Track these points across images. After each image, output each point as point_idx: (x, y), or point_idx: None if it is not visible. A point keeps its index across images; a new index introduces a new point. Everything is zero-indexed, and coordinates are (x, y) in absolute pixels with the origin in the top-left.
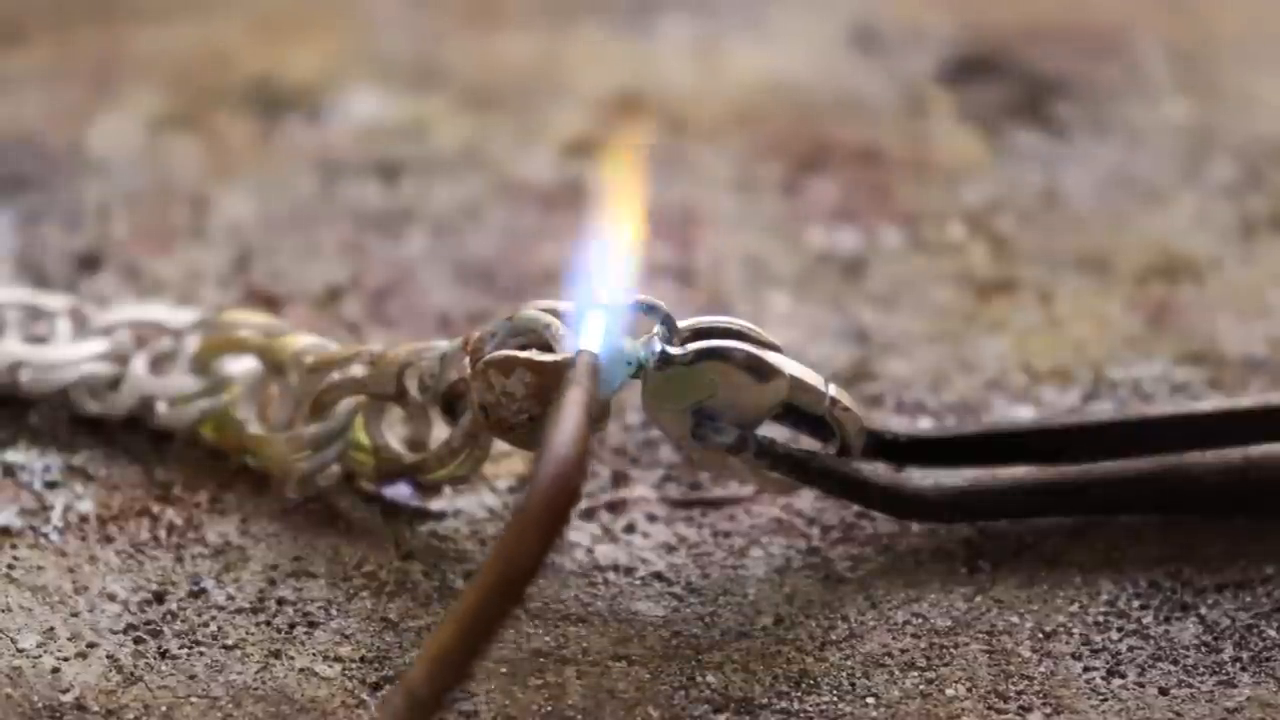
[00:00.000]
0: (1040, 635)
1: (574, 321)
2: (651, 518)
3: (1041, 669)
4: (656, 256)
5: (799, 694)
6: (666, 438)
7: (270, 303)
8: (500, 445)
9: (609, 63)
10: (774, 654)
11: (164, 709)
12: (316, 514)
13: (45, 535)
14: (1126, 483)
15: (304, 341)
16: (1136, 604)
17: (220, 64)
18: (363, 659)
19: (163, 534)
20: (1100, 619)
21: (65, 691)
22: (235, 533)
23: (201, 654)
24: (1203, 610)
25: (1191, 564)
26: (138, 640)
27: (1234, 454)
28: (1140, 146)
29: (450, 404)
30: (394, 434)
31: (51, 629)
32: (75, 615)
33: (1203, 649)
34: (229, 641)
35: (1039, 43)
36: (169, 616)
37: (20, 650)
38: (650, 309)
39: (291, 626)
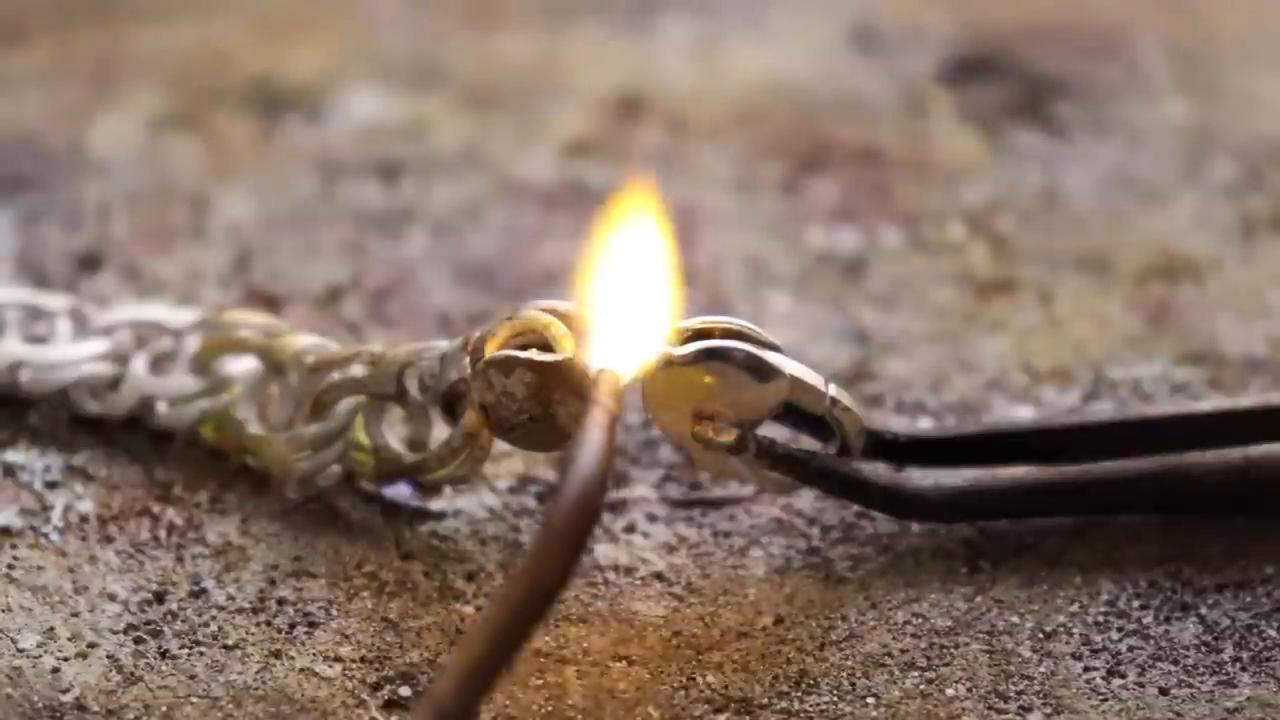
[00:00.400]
0: (1040, 635)
1: (591, 333)
2: (651, 518)
3: (1042, 669)
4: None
5: (799, 694)
6: (666, 438)
7: (270, 303)
8: (500, 445)
9: (609, 63)
10: (774, 654)
11: (164, 709)
12: (316, 514)
13: (45, 535)
14: (1126, 483)
15: (304, 341)
16: (1136, 604)
17: (220, 64)
18: (363, 659)
19: (163, 534)
20: (1100, 619)
21: (65, 691)
22: (235, 533)
23: (202, 654)
24: (1203, 610)
25: (1191, 564)
26: (138, 640)
27: (1234, 454)
28: (1140, 146)
29: (450, 404)
30: (394, 434)
31: (52, 629)
32: (75, 615)
33: (1203, 649)
34: (229, 641)
35: (1039, 43)
36: (169, 616)
37: (20, 650)
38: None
39: (292, 626)
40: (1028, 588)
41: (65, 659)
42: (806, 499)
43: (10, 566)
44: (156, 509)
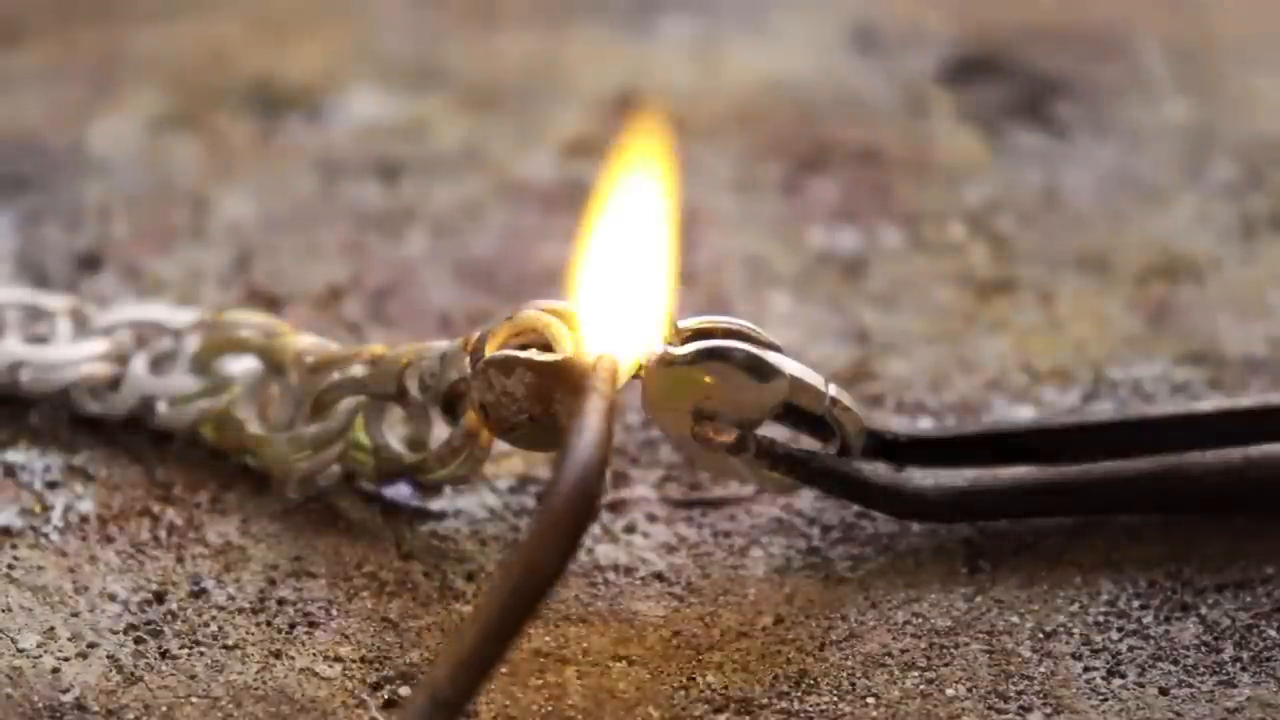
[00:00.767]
0: (1040, 635)
1: (587, 324)
2: (651, 518)
3: (1041, 669)
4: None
5: (799, 694)
6: (666, 438)
7: (270, 303)
8: (500, 445)
9: (609, 63)
10: (774, 654)
11: (164, 709)
12: (317, 514)
13: (45, 535)
14: (1126, 483)
15: (305, 341)
16: (1136, 604)
17: (220, 64)
18: (363, 659)
19: (163, 534)
20: (1100, 619)
21: (65, 691)
22: (235, 533)
23: (202, 654)
24: (1203, 610)
25: (1191, 564)
26: (138, 640)
27: (1234, 454)
28: (1140, 146)
29: (450, 404)
30: (394, 434)
31: (52, 629)
32: (75, 615)
33: (1203, 649)
34: (229, 641)
35: (1039, 43)
36: (169, 616)
37: (20, 650)
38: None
39: (292, 626)
40: (1028, 588)
41: (65, 659)
42: (806, 499)
43: (10, 566)
44: (156, 509)
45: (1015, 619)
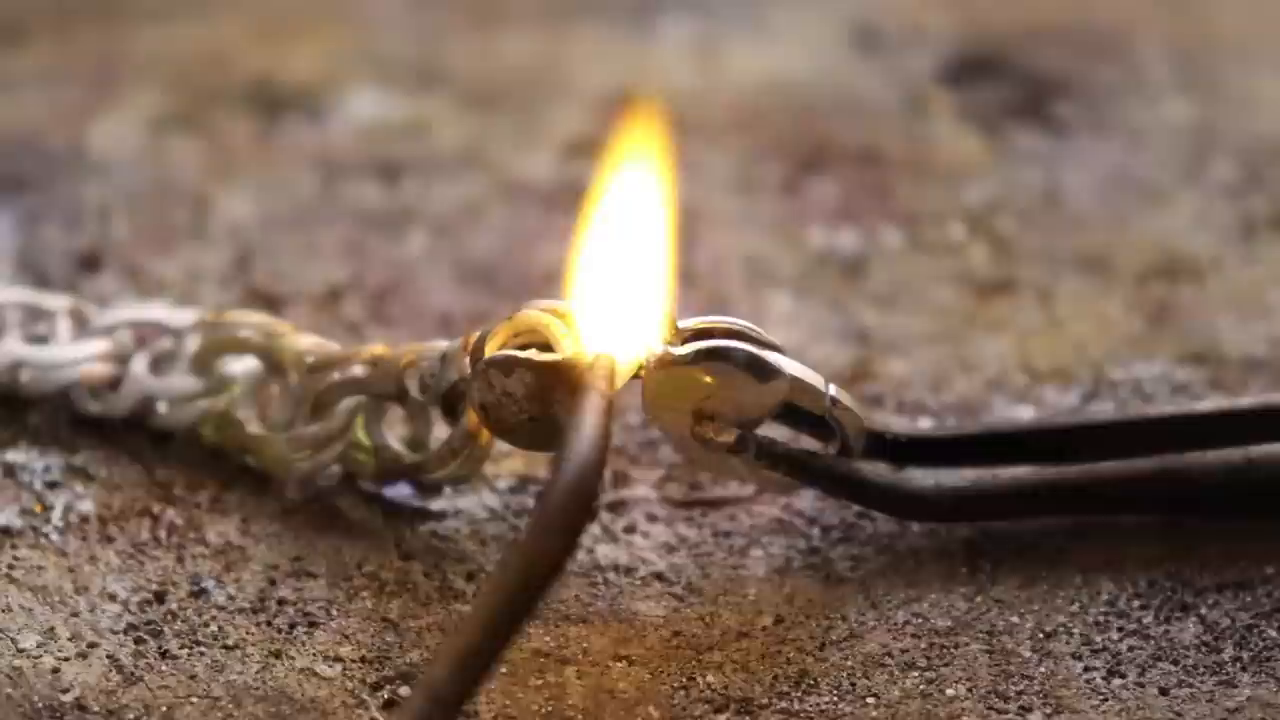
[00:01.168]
0: (1040, 635)
1: (585, 323)
2: (651, 518)
3: (1042, 669)
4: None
5: (799, 694)
6: (666, 438)
7: (270, 303)
8: (500, 445)
9: (609, 63)
10: (774, 654)
11: (164, 709)
12: (317, 514)
13: (45, 535)
14: (1126, 483)
15: (305, 341)
16: (1136, 604)
17: (220, 64)
18: (363, 659)
19: (163, 534)
20: (1100, 619)
21: (65, 691)
22: (235, 533)
23: (202, 654)
24: (1203, 610)
25: (1191, 564)
26: (138, 640)
27: (1234, 454)
28: (1140, 146)
29: (450, 404)
30: (394, 434)
31: (52, 629)
32: (75, 615)
33: (1203, 649)
34: (229, 641)
35: (1039, 43)
36: (169, 616)
37: (20, 650)
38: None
39: (292, 626)
40: (1028, 588)
41: (65, 659)
42: (806, 499)
43: (10, 566)
44: (156, 509)
45: (1015, 619)
